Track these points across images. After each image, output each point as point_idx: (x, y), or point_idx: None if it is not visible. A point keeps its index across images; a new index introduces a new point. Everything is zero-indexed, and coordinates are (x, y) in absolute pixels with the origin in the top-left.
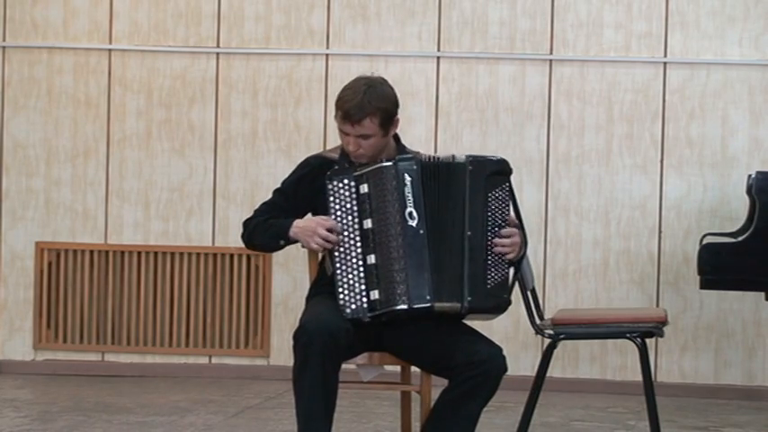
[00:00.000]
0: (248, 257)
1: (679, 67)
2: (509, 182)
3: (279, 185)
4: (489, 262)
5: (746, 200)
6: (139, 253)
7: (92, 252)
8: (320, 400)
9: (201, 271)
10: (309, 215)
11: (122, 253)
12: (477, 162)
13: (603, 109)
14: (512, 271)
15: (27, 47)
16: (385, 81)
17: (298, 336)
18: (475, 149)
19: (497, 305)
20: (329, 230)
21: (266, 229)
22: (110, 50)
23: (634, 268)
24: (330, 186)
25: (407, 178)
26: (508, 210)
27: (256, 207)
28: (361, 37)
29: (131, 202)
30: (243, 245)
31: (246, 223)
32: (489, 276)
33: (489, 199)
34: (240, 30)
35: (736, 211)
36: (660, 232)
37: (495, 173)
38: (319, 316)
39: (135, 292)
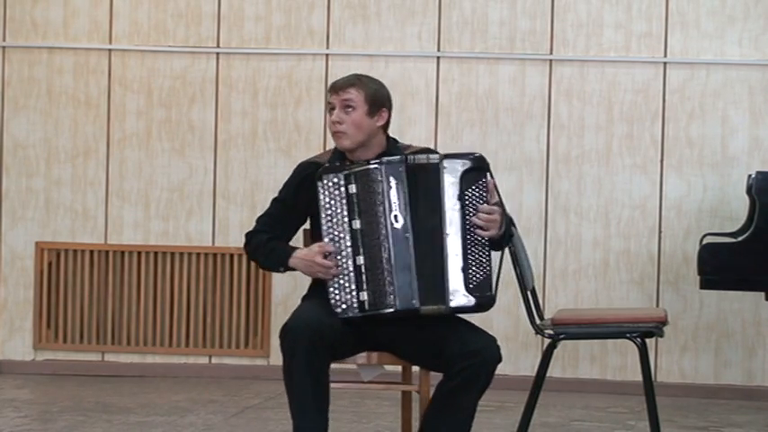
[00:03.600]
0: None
1: (679, 67)
2: (485, 177)
3: (276, 195)
4: (470, 260)
5: (746, 200)
6: (139, 253)
7: (92, 252)
8: (310, 394)
9: (201, 271)
10: (310, 246)
11: (122, 253)
12: (450, 160)
13: (603, 109)
14: (495, 259)
15: (27, 47)
16: (382, 83)
17: (282, 335)
18: (475, 149)
19: (480, 303)
20: (325, 255)
21: (268, 252)
22: (110, 50)
23: (634, 268)
24: (320, 184)
25: (392, 181)
26: (485, 204)
27: (258, 215)
28: (361, 37)
29: (131, 202)
30: (242, 246)
31: (249, 237)
32: (470, 275)
33: (466, 197)
34: (240, 30)
35: (736, 211)
36: (660, 232)
37: (471, 170)
38: (302, 314)
39: (135, 292)
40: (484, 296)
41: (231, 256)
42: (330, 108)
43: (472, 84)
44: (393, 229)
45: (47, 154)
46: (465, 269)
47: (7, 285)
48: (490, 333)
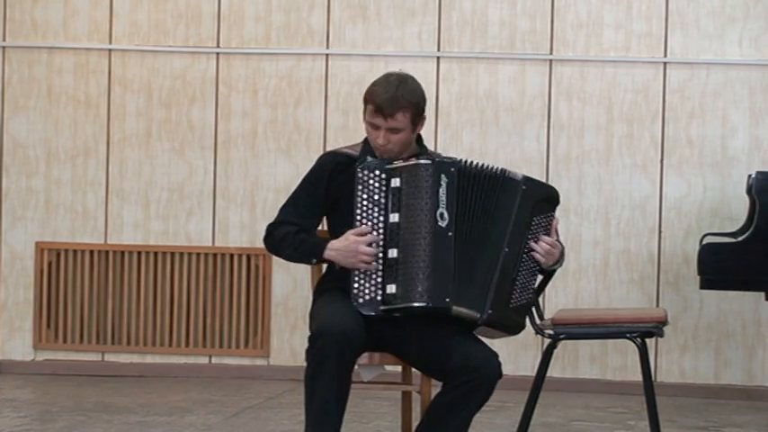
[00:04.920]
0: (248, 257)
1: (679, 67)
2: (554, 212)
3: (299, 184)
4: (518, 283)
5: (746, 200)
6: (139, 253)
7: (92, 252)
8: (334, 403)
9: (201, 271)
10: (346, 234)
11: (122, 253)
12: (532, 184)
13: (603, 109)
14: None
15: (27, 47)
16: (414, 78)
17: (314, 339)
18: (475, 149)
19: (513, 325)
20: (369, 244)
21: (296, 244)
22: (110, 50)
23: (634, 268)
24: (360, 176)
25: (444, 179)
26: (547, 236)
27: (281, 205)
28: (361, 37)
29: (131, 202)
30: (263, 239)
31: (272, 229)
32: (514, 296)
33: (533, 223)
34: (240, 30)
35: (737, 211)
36: (660, 232)
37: (545, 199)
38: (334, 318)
39: (135, 292)
40: (519, 320)
41: (231, 256)
42: (374, 126)
43: (472, 84)
44: (437, 226)
45: (47, 154)
46: (511, 288)
47: (7, 285)
48: (495, 343)
